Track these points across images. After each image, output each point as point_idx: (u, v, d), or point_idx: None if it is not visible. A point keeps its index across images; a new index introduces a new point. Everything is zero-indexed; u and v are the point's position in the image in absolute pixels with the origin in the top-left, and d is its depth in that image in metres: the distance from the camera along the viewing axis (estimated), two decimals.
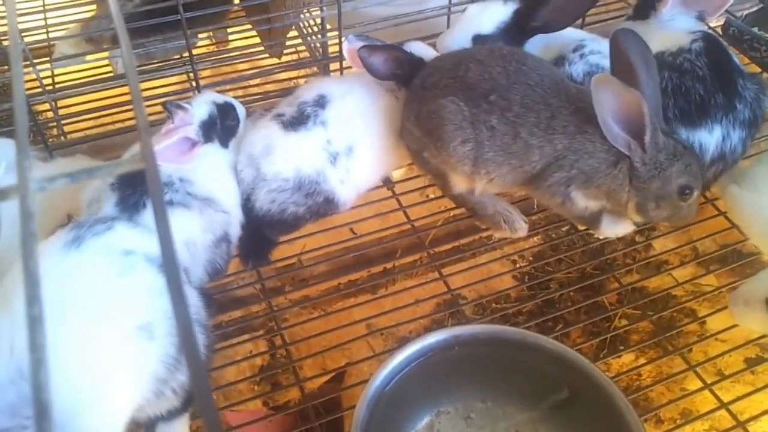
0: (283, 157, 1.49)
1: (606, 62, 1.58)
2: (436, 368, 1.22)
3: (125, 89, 1.91)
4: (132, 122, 1.88)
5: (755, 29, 1.80)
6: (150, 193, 0.45)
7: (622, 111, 1.25)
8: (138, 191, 1.32)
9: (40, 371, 0.38)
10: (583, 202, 1.38)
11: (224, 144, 1.51)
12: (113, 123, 1.91)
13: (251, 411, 1.64)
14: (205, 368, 1.19)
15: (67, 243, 1.08)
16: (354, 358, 1.62)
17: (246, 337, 1.61)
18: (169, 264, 0.46)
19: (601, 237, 1.51)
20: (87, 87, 1.88)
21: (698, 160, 1.42)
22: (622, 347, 1.76)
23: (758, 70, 1.80)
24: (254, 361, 1.74)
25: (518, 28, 1.63)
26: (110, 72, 1.97)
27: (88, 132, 1.87)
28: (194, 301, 1.20)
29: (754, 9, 1.87)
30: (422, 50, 1.59)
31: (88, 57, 1.96)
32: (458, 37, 1.63)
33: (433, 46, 1.68)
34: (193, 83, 1.86)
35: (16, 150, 0.48)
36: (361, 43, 1.50)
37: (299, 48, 2.12)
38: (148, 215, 1.31)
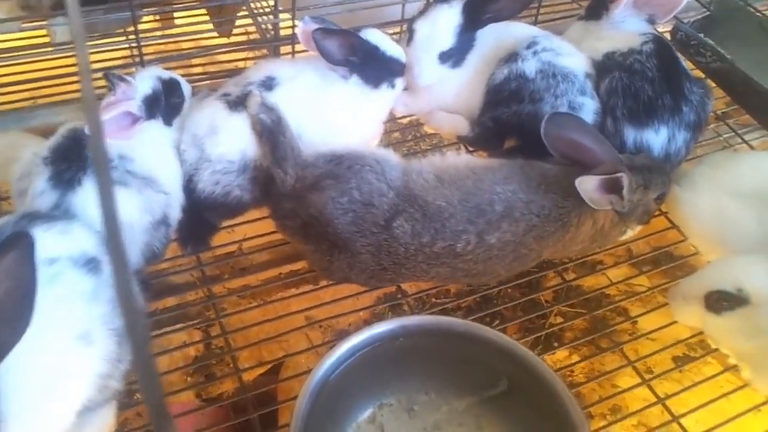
0: (229, 138, 1.44)
1: (558, 60, 1.59)
2: (381, 359, 1.20)
3: (62, 61, 1.82)
4: (69, 96, 1.79)
5: (701, 35, 1.84)
6: (91, 147, 0.41)
7: (603, 188, 1.36)
8: (74, 167, 1.25)
9: None
10: None
11: (168, 122, 1.45)
12: (48, 96, 1.81)
13: (183, 403, 1.58)
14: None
15: None
16: (291, 350, 1.59)
17: (180, 326, 1.56)
18: (112, 235, 0.42)
19: None
20: (21, 53, 1.78)
21: (654, 162, 1.50)
22: (556, 344, 1.78)
23: (702, 75, 1.84)
24: (188, 352, 1.68)
25: (471, 24, 1.62)
26: (47, 41, 1.86)
27: (21, 104, 1.76)
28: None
29: (701, 16, 1.91)
30: (378, 39, 1.56)
31: (25, 24, 1.85)
32: (426, 66, 1.61)
33: (387, 34, 1.65)
34: (137, 59, 1.78)
35: None
36: (316, 26, 1.46)
37: (249, 29, 2.06)
38: (83, 193, 1.24)
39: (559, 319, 1.84)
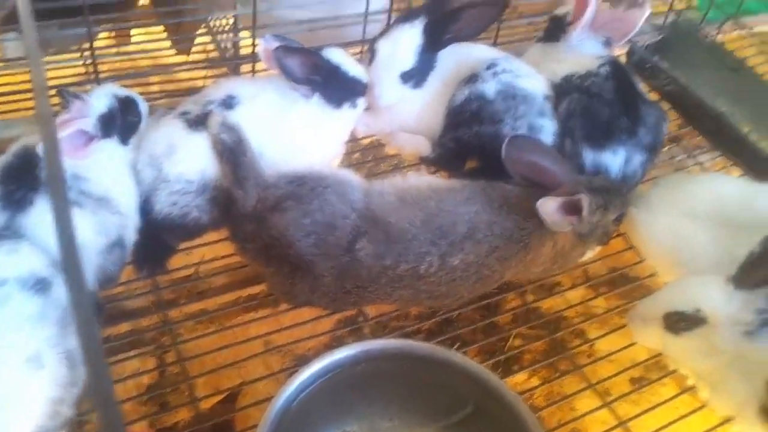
0: (188, 157, 1.41)
1: (518, 81, 1.61)
2: (343, 384, 1.18)
3: (13, 78, 1.76)
4: (20, 113, 1.73)
5: (656, 58, 1.89)
6: (47, 165, 0.39)
7: (564, 209, 1.36)
8: (25, 187, 1.22)
9: None
10: None
11: (124, 141, 1.43)
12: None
13: None
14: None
15: None
16: (249, 376, 1.55)
17: (134, 352, 1.51)
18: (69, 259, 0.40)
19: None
20: None
21: (612, 184, 1.51)
22: (515, 367, 1.77)
23: (657, 97, 1.88)
24: (141, 380, 1.63)
25: (432, 45, 1.63)
26: None
27: None
28: None
29: (655, 40, 1.96)
30: (341, 58, 1.56)
31: None
32: (388, 86, 1.61)
33: (349, 53, 1.64)
34: (92, 76, 1.74)
35: None
36: (277, 44, 1.45)
37: (208, 47, 2.03)
38: (34, 214, 1.20)
39: (519, 342, 1.84)
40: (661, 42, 1.96)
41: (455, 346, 1.71)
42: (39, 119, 0.49)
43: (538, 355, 1.79)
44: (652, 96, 1.83)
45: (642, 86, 1.74)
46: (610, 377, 1.55)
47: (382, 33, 1.68)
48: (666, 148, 1.95)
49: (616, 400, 1.49)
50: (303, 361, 1.20)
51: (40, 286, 1.08)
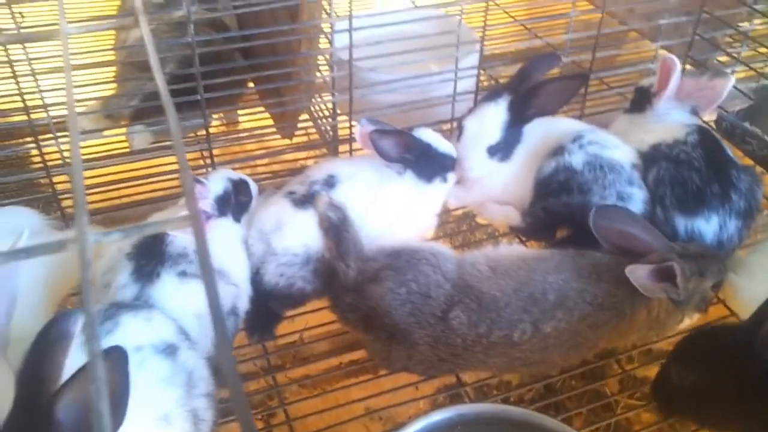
0: (293, 233, 1.53)
1: (604, 152, 1.65)
2: None
3: (138, 164, 1.97)
4: (142, 197, 1.92)
5: (746, 124, 1.88)
6: (197, 249, 0.49)
7: (655, 276, 1.38)
8: (153, 261, 1.36)
9: (100, 402, 0.40)
10: None
11: (237, 218, 1.56)
12: (125, 196, 1.95)
13: None
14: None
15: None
16: None
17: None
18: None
19: None
20: (106, 160, 1.94)
21: (708, 250, 1.51)
22: None
23: (750, 162, 1.86)
24: None
25: (517, 120, 1.71)
26: (126, 147, 2.03)
27: (101, 204, 1.91)
28: (204, 372, 1.23)
29: (746, 106, 1.96)
30: (430, 137, 1.66)
31: (107, 132, 2.03)
32: (476, 160, 1.70)
33: (439, 131, 1.74)
34: (207, 160, 1.92)
35: (75, 208, 0.52)
36: (372, 127, 1.57)
37: (309, 131, 2.19)
38: (160, 285, 1.34)
39: (625, 410, 1.80)
40: (751, 108, 1.95)
41: (558, 415, 1.70)
42: (185, 195, 0.58)
43: (648, 425, 1.75)
44: (745, 162, 1.81)
45: (733, 152, 1.74)
46: None
47: (470, 111, 1.78)
48: (766, 212, 1.91)
49: None
50: (402, 426, 1.24)
51: (170, 350, 1.18)
